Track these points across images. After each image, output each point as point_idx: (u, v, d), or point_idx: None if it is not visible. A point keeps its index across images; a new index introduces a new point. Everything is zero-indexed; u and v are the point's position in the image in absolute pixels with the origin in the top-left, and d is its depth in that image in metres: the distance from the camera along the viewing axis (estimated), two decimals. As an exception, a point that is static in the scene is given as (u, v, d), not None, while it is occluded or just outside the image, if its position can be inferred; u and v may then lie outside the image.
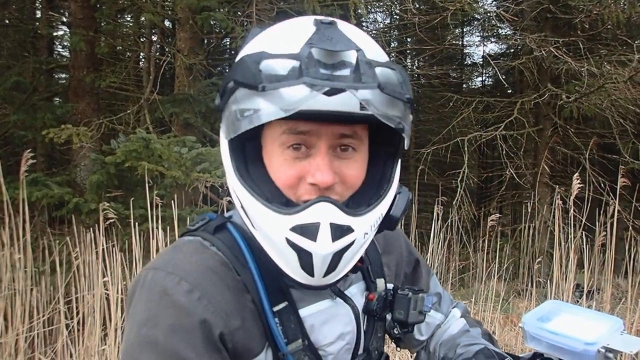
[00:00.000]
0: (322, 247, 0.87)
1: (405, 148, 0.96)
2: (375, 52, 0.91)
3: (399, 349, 1.30)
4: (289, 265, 0.91)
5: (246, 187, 0.90)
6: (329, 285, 0.95)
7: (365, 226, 0.91)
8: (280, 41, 0.88)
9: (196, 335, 0.88)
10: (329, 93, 0.81)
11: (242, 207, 0.94)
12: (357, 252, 0.94)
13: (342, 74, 0.82)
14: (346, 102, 0.83)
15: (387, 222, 0.99)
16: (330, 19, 0.89)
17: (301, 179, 0.91)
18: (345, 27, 0.90)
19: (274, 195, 0.91)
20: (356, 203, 0.95)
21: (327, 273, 0.90)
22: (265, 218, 0.89)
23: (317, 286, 0.93)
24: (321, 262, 0.88)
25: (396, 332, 1.12)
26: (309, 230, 0.87)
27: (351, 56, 0.84)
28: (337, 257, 0.89)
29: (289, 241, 0.88)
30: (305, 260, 0.88)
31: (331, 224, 0.87)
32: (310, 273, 0.90)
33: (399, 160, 1.00)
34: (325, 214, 0.87)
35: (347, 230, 0.88)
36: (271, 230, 0.89)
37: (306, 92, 0.80)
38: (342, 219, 0.88)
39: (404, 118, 0.88)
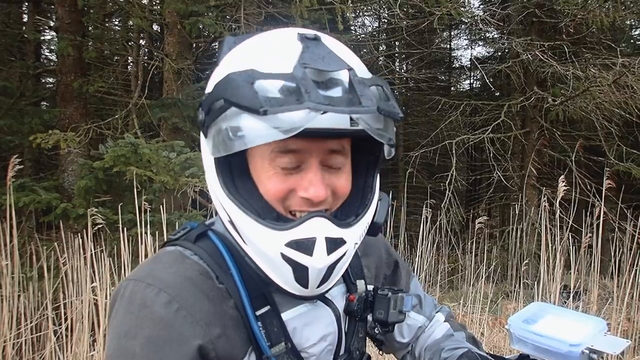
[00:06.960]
0: (318, 262, 0.88)
1: (387, 157, 0.97)
2: (361, 68, 0.91)
3: (382, 353, 1.30)
4: (283, 279, 0.92)
5: (236, 203, 0.90)
6: (320, 295, 0.97)
7: (355, 236, 0.93)
8: (270, 59, 0.86)
9: (173, 348, 0.89)
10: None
11: (230, 222, 0.93)
12: (347, 261, 0.96)
13: (336, 95, 0.82)
14: (338, 119, 0.84)
15: (371, 229, 1.00)
16: (313, 32, 0.89)
17: (291, 192, 0.91)
18: (330, 43, 0.90)
19: (264, 210, 0.91)
20: (344, 214, 0.96)
21: (320, 284, 0.92)
22: (258, 234, 0.89)
23: (308, 296, 0.96)
24: (316, 275, 0.90)
25: (377, 331, 1.13)
26: (305, 246, 0.88)
27: (342, 75, 0.84)
28: (331, 268, 0.91)
29: (284, 256, 0.88)
30: (301, 273, 0.90)
31: (326, 238, 0.88)
32: (305, 285, 0.91)
33: (379, 169, 1.02)
34: (321, 229, 0.88)
35: (341, 242, 0.90)
36: (265, 246, 0.90)
37: (305, 114, 0.79)
38: (336, 232, 0.89)
39: (392, 132, 0.90)
